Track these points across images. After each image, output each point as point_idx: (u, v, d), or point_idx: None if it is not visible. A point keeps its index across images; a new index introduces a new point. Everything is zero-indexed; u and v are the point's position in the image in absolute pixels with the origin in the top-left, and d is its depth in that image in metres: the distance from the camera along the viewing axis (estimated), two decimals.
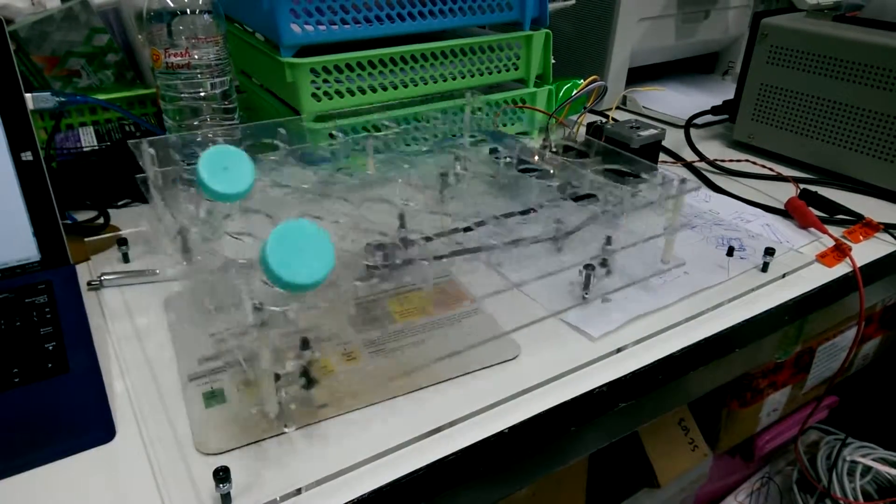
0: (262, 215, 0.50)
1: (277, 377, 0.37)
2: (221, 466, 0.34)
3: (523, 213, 0.51)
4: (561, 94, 0.86)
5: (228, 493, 0.34)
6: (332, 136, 0.66)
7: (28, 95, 0.52)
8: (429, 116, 0.69)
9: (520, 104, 0.80)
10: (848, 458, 0.92)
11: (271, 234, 0.35)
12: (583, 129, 0.70)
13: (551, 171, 0.58)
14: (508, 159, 0.61)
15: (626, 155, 0.57)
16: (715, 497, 0.94)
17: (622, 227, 0.51)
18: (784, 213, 0.67)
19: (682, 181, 0.52)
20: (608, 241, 0.50)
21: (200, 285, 0.42)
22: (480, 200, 0.58)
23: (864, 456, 0.93)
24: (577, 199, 0.54)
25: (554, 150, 0.61)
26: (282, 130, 0.58)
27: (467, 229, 0.49)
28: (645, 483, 0.78)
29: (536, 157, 0.60)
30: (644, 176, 0.54)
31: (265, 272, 0.35)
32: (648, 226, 0.53)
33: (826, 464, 0.93)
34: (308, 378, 0.39)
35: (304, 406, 0.40)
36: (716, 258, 0.58)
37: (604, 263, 0.52)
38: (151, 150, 0.50)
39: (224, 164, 0.46)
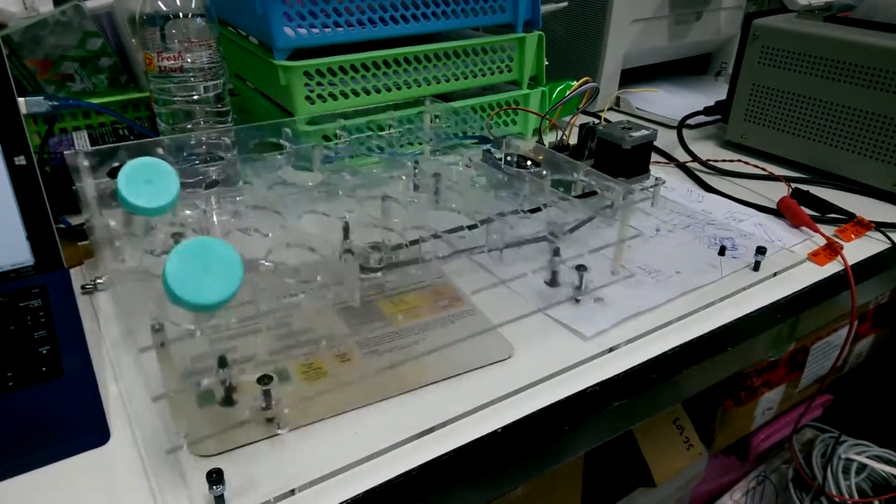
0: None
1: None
2: (215, 468, 0.34)
3: (515, 213, 0.52)
4: (554, 95, 0.87)
5: (222, 495, 0.34)
6: (326, 138, 0.66)
7: (21, 100, 0.52)
8: (383, 123, 0.69)
9: (513, 106, 0.80)
10: (843, 456, 0.93)
11: (171, 254, 0.34)
12: (575, 131, 0.70)
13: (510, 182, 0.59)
14: (467, 165, 0.61)
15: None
16: (711, 496, 0.94)
17: (574, 240, 0.51)
18: (776, 212, 0.67)
19: (628, 193, 0.51)
20: (556, 252, 0.50)
21: (125, 293, 0.42)
22: (473, 204, 0.58)
23: (858, 454, 0.93)
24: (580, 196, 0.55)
25: (510, 160, 0.61)
26: (287, 130, 0.58)
27: (458, 230, 0.49)
28: (640, 482, 0.78)
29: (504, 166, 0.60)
30: (593, 183, 0.54)
31: (167, 295, 0.34)
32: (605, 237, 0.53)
33: (821, 462, 0.94)
34: (228, 396, 0.40)
35: (301, 411, 0.40)
36: (708, 258, 0.58)
37: (553, 275, 0.52)
38: (86, 162, 0.50)
39: (147, 178, 0.45)
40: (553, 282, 0.53)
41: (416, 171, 0.61)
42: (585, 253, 0.49)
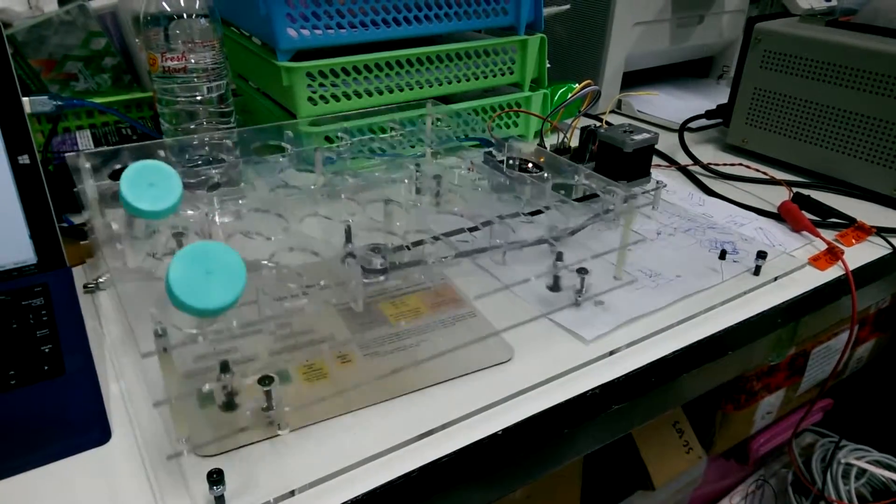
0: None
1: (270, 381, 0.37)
2: (215, 469, 0.34)
3: (515, 215, 0.52)
4: (556, 98, 0.87)
5: (222, 496, 0.34)
6: (328, 139, 0.66)
7: (25, 99, 0.52)
8: (385, 125, 0.69)
9: (515, 108, 0.80)
10: (842, 461, 0.93)
11: (174, 259, 0.34)
12: (577, 133, 0.71)
13: (512, 186, 0.59)
14: (466, 170, 0.61)
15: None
16: (710, 499, 0.94)
17: (578, 244, 0.51)
18: (777, 216, 0.67)
19: (630, 197, 0.51)
20: (559, 256, 0.50)
21: (126, 293, 0.42)
22: (474, 207, 0.58)
23: (858, 458, 0.93)
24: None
25: (511, 163, 0.61)
26: (289, 133, 0.58)
27: (459, 233, 0.49)
28: (639, 485, 0.78)
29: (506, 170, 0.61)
30: (596, 188, 0.54)
31: (171, 300, 0.33)
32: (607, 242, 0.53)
33: (821, 466, 0.94)
34: (229, 401, 0.40)
35: (302, 412, 0.40)
36: (709, 261, 0.58)
37: (555, 279, 0.52)
38: (87, 164, 0.50)
39: (149, 181, 0.45)
40: (555, 286, 0.53)
41: (418, 173, 0.61)
42: (588, 258, 0.49)
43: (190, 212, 0.51)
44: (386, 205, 0.53)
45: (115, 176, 0.49)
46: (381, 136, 0.69)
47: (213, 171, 0.55)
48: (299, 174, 0.59)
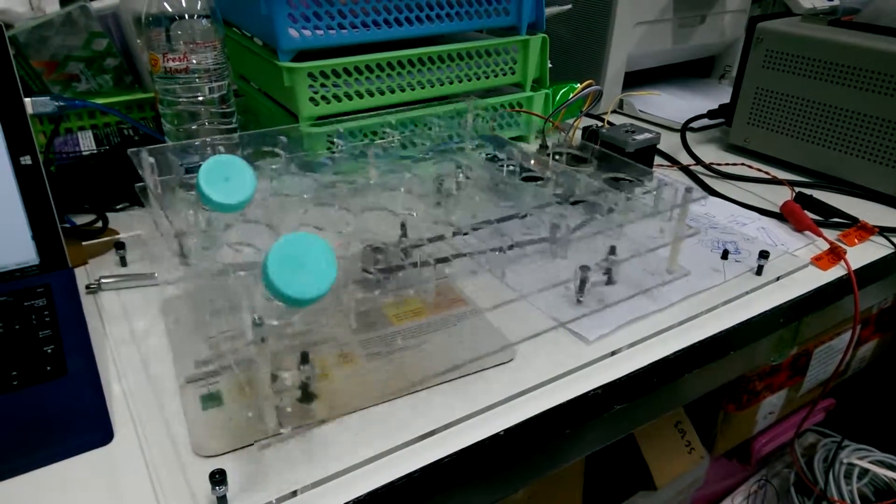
0: (262, 225, 0.51)
1: (274, 378, 0.37)
2: (217, 469, 0.34)
3: (522, 216, 0.52)
4: (558, 98, 0.87)
5: (225, 496, 0.34)
6: (331, 143, 0.66)
7: (27, 100, 0.52)
8: (427, 121, 0.70)
9: (517, 108, 0.80)
10: (845, 461, 0.93)
11: (272, 249, 0.35)
12: (578, 133, 0.70)
13: (552, 177, 0.58)
14: (511, 167, 0.61)
15: (623, 160, 0.57)
16: (712, 500, 0.94)
17: (624, 235, 0.51)
18: (779, 216, 0.67)
19: (688, 190, 0.52)
20: (612, 250, 0.50)
21: (199, 290, 0.42)
22: (479, 206, 0.58)
23: (860, 458, 0.93)
24: (576, 203, 0.55)
25: (549, 154, 0.61)
26: (282, 138, 0.59)
27: (462, 233, 0.49)
28: (642, 486, 0.78)
29: (534, 162, 0.61)
30: (644, 182, 0.54)
31: (267, 288, 0.34)
32: (648, 233, 0.53)
33: (823, 466, 0.94)
34: (306, 392, 0.40)
35: (301, 412, 0.40)
36: (711, 261, 0.58)
37: (607, 273, 0.52)
38: (151, 159, 0.50)
39: (225, 175, 0.46)
40: (609, 280, 0.53)
41: (419, 173, 0.61)
42: (643, 252, 0.49)
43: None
44: (393, 212, 0.54)
45: (190, 171, 0.51)
46: (429, 130, 0.68)
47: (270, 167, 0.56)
48: (300, 179, 0.59)
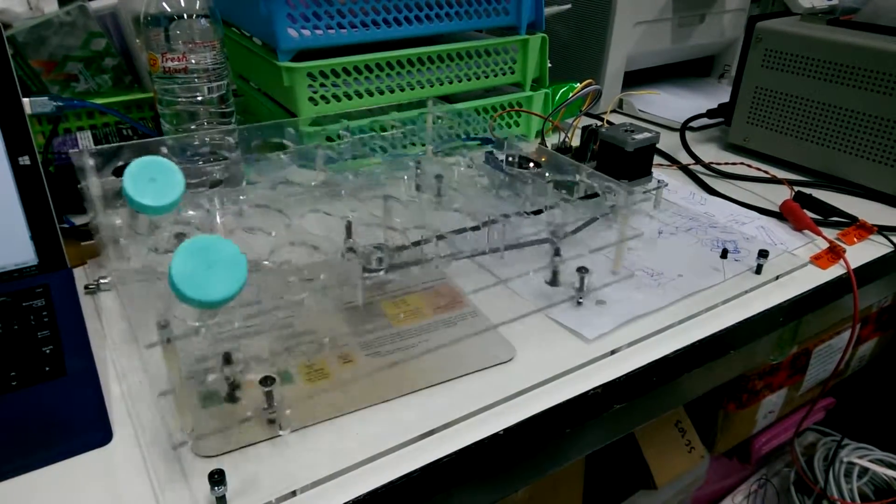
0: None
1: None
2: (217, 469, 0.34)
3: (518, 214, 0.52)
4: (557, 97, 0.87)
5: (224, 496, 0.34)
6: (329, 139, 0.66)
7: (26, 100, 0.52)
8: (390, 125, 0.70)
9: (516, 108, 0.80)
10: (845, 460, 0.93)
11: (176, 253, 0.34)
12: (578, 133, 0.70)
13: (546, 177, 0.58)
14: (510, 167, 0.61)
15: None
16: (712, 499, 0.94)
17: (573, 239, 0.51)
18: (779, 215, 0.67)
19: (629, 194, 0.52)
20: (557, 252, 0.50)
21: (125, 293, 0.42)
22: (477, 206, 0.58)
23: (860, 457, 0.93)
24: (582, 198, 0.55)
25: (511, 160, 0.61)
26: (291, 130, 0.58)
27: (461, 231, 0.49)
28: (642, 485, 0.78)
29: (532, 165, 0.61)
30: (595, 188, 0.55)
31: (174, 293, 0.34)
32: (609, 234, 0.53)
33: (823, 465, 0.94)
34: (231, 393, 0.40)
35: (301, 413, 0.40)
36: (710, 260, 0.58)
37: (554, 275, 0.52)
38: (91, 161, 0.50)
39: (151, 176, 0.45)
40: (553, 281, 0.53)
41: (419, 171, 0.61)
42: (586, 252, 0.49)
43: (191, 211, 0.51)
44: (385, 201, 0.54)
45: (119, 172, 0.49)
46: (382, 133, 0.68)
47: (215, 169, 0.55)
48: (300, 171, 0.59)
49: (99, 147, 0.52)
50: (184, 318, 0.36)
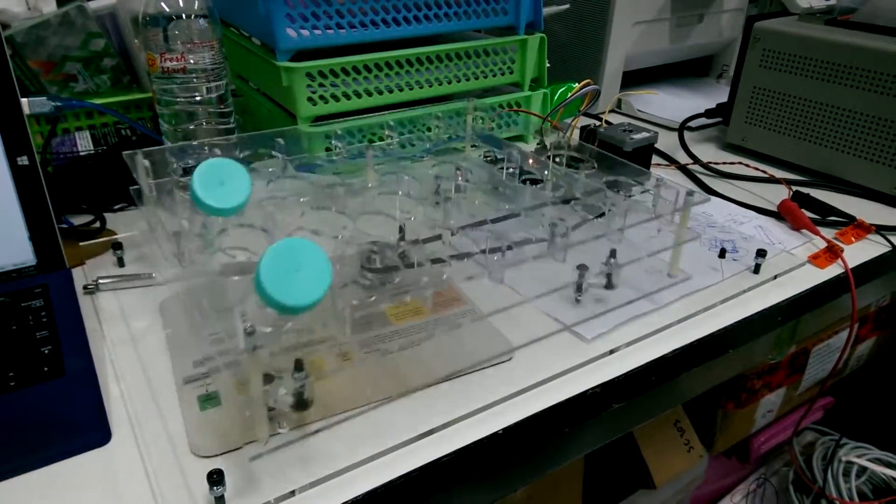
0: (257, 230, 0.50)
1: (269, 380, 0.37)
2: (215, 469, 0.34)
3: (516, 215, 0.52)
4: (556, 97, 0.87)
5: (222, 496, 0.34)
6: (328, 148, 0.66)
7: (24, 100, 0.52)
8: (426, 121, 0.69)
9: (515, 108, 0.80)
10: (843, 459, 0.93)
11: (265, 255, 0.34)
12: (577, 133, 0.70)
13: (550, 179, 0.58)
14: (511, 169, 0.61)
15: (621, 161, 0.57)
16: (711, 498, 0.94)
17: (624, 238, 0.51)
18: (777, 215, 0.67)
19: (690, 193, 0.52)
20: (612, 254, 0.50)
21: (192, 293, 0.42)
22: (478, 207, 0.58)
23: (859, 456, 0.93)
24: (567, 201, 0.55)
25: (549, 156, 0.61)
26: (280, 140, 0.58)
27: (460, 229, 0.49)
28: (641, 484, 0.78)
29: (532, 162, 0.61)
30: (643, 184, 0.54)
31: (260, 295, 0.33)
32: (647, 234, 0.53)
33: (822, 464, 0.94)
34: (300, 400, 0.40)
35: (299, 414, 0.40)
36: (709, 260, 0.58)
37: (608, 277, 0.52)
38: (146, 162, 0.50)
39: (220, 178, 0.45)
40: (609, 285, 0.53)
41: (418, 172, 0.61)
42: (644, 255, 0.49)
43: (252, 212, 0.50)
44: (445, 202, 0.53)
45: (189, 172, 0.50)
46: (428, 132, 0.68)
47: (267, 170, 0.55)
48: (297, 181, 0.59)
49: (150, 148, 0.52)
50: (259, 322, 0.35)
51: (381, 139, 0.68)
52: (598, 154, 0.59)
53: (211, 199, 0.45)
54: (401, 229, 0.51)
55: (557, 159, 0.61)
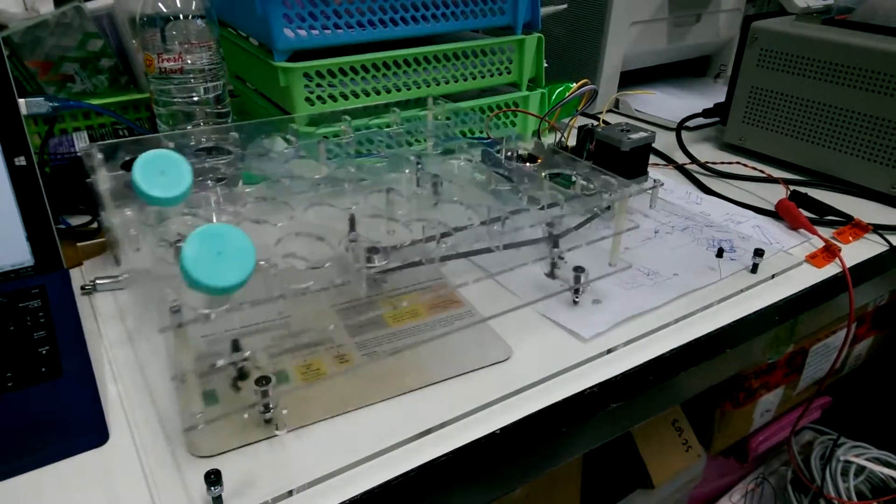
0: (201, 220, 0.51)
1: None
2: (213, 469, 0.34)
3: (514, 212, 0.52)
4: (553, 97, 0.87)
5: (220, 496, 0.34)
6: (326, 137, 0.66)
7: (22, 100, 0.52)
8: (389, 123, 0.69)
9: (512, 108, 0.80)
10: (841, 458, 0.93)
11: (188, 240, 0.35)
12: (574, 132, 0.71)
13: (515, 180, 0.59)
14: (507, 167, 0.61)
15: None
16: (709, 498, 0.94)
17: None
18: (774, 214, 0.67)
19: (623, 186, 0.52)
20: (555, 244, 0.50)
21: (133, 287, 0.42)
22: (473, 206, 0.58)
23: (857, 456, 0.93)
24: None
25: (509, 156, 0.61)
26: (293, 126, 0.58)
27: (458, 230, 0.49)
28: (639, 484, 0.78)
29: (528, 164, 0.61)
30: (591, 182, 0.55)
31: (184, 276, 0.35)
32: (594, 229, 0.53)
33: (820, 464, 0.94)
34: (239, 378, 0.41)
35: (299, 413, 0.40)
36: (706, 260, 0.58)
37: (552, 267, 0.52)
38: (100, 156, 0.51)
39: (161, 169, 0.46)
40: (552, 274, 0.53)
41: (419, 167, 0.61)
42: (583, 243, 0.49)
43: (196, 207, 0.51)
44: (388, 193, 0.53)
45: (127, 166, 0.50)
46: (386, 129, 0.68)
47: (220, 163, 0.56)
48: (303, 163, 0.59)
49: (105, 142, 0.53)
50: (194, 306, 0.36)
51: (370, 141, 0.68)
52: (551, 153, 0.60)
53: (153, 189, 0.45)
54: (351, 220, 0.51)
55: (509, 155, 0.61)
